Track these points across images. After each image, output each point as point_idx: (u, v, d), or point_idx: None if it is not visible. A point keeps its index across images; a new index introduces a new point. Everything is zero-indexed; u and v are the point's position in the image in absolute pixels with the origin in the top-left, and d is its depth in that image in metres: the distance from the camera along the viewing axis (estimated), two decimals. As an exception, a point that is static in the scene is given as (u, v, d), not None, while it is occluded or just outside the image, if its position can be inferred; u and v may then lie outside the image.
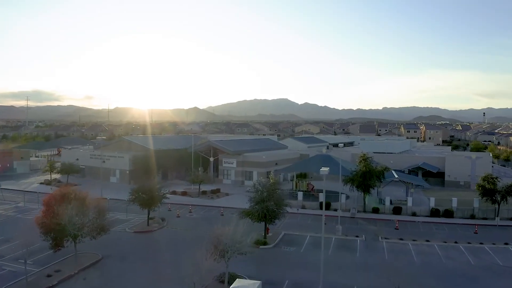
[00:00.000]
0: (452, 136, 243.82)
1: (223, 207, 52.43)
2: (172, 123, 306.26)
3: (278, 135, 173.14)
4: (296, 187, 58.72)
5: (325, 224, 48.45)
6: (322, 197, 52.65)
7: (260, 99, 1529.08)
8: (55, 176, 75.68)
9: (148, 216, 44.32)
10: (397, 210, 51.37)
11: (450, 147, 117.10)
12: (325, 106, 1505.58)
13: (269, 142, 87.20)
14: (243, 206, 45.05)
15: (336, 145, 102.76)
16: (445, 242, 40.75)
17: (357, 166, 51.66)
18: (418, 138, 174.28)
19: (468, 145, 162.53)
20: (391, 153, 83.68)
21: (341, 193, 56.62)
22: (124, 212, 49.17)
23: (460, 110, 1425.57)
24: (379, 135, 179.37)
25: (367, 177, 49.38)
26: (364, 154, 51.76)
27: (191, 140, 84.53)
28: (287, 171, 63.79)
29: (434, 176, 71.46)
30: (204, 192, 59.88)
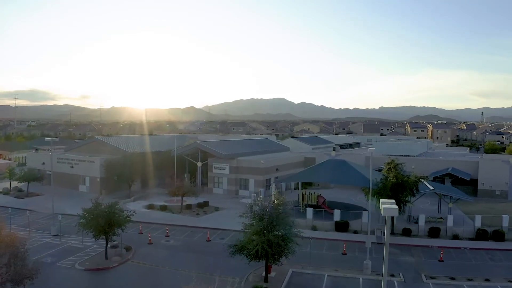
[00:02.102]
0: (457, 136, 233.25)
1: (210, 228, 40.73)
2: (169, 122, 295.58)
3: (276, 135, 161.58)
4: (303, 200, 47.13)
5: (344, 254, 37.44)
6: (337, 215, 41.21)
7: (257, 99, 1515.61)
8: (16, 183, 63.78)
9: (106, 246, 32.60)
10: (433, 232, 40.02)
11: (467, 148, 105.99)
12: (322, 106, 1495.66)
13: (268, 143, 75.32)
14: (236, 226, 33.73)
15: (343, 146, 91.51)
16: (511, 282, 29.60)
17: (384, 175, 40.23)
18: (425, 138, 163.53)
19: (482, 145, 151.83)
20: (408, 155, 72.46)
21: (360, 209, 45.42)
22: (81, 236, 37.40)
23: (457, 109, 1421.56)
24: (383, 135, 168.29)
25: (398, 191, 37.98)
26: (393, 160, 40.28)
27: (178, 141, 72.95)
28: (292, 180, 51.90)
29: (463, 184, 60.16)
30: (188, 207, 48.18)
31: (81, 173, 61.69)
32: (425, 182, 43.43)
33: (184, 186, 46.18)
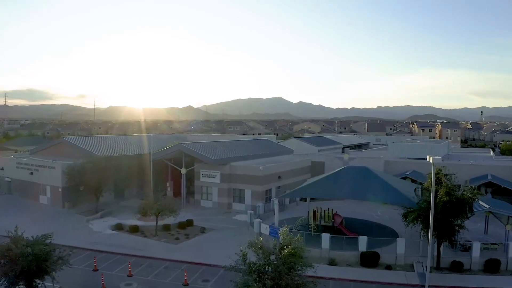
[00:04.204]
0: (463, 135, 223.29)
1: (191, 262, 30.05)
2: (166, 121, 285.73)
3: (275, 134, 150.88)
4: (314, 218, 36.49)
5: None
6: (363, 243, 30.59)
7: (255, 98, 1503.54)
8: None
9: (30, 301, 21.89)
10: (492, 266, 29.61)
11: (490, 149, 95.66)
12: (320, 105, 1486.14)
13: (268, 144, 64.44)
14: (227, 260, 23.06)
15: (352, 147, 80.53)
16: None
17: (426, 190, 29.76)
18: (433, 137, 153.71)
19: (497, 146, 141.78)
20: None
21: (385, 228, 35.10)
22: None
23: (454, 109, 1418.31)
24: (389, 134, 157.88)
25: (451, 212, 27.52)
26: (440, 170, 29.73)
27: (162, 142, 62.34)
28: (300, 194, 40.29)
29: (501, 194, 49.76)
30: (166, 227, 37.48)
31: (41, 181, 50.94)
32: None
33: (159, 203, 35.41)
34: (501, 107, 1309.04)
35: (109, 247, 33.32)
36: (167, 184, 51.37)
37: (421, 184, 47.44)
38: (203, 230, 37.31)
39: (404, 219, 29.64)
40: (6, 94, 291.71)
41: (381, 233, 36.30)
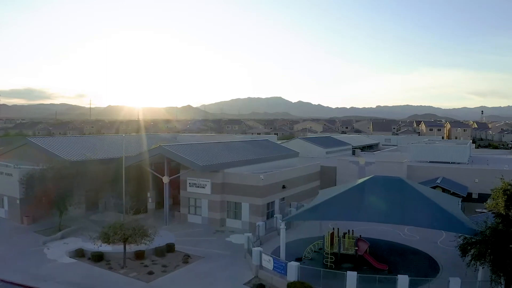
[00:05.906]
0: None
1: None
2: (165, 121, 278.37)
3: (275, 134, 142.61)
4: (331, 244, 28.06)
5: None
6: (403, 284, 22.26)
7: (254, 97, 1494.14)
8: None
9: None
10: None
11: (511, 151, 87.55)
12: (319, 105, 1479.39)
13: (269, 146, 55.52)
14: None
15: (362, 149, 72.27)
16: None
17: (494, 210, 21.54)
18: (442, 137, 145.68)
19: (507, 146, 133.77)
20: (454, 163, 54.15)
21: (417, 253, 26.84)
22: None
23: (453, 108, 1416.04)
24: (395, 134, 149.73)
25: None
26: (510, 184, 21.42)
27: (151, 143, 53.78)
28: (312, 215, 28.99)
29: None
30: (139, 255, 29.05)
31: (-2, 190, 42.56)
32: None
33: (127, 225, 26.96)
34: (500, 107, 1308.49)
35: (60, 285, 24.95)
36: (148, 195, 42.93)
37: (455, 195, 39.36)
38: (186, 259, 28.87)
39: (461, 254, 21.32)
40: (0, 93, 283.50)
41: (416, 262, 28.12)
